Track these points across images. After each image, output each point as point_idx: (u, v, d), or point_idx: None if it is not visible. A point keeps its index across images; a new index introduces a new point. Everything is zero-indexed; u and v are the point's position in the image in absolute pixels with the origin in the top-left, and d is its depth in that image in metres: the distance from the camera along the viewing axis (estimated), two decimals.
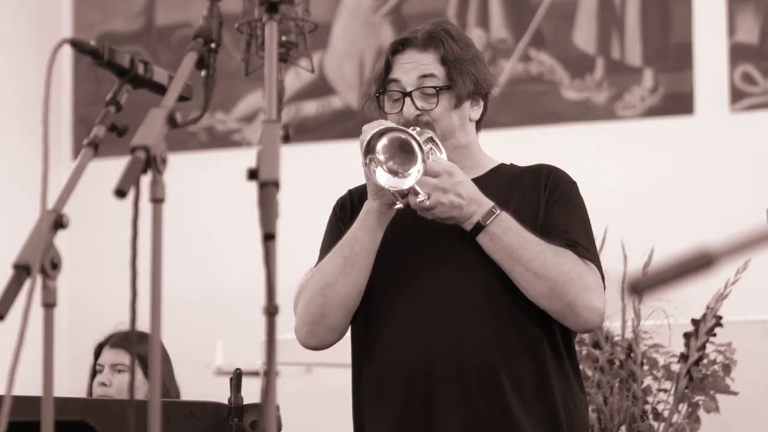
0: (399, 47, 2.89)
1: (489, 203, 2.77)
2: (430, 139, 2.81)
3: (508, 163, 3.02)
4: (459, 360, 2.77)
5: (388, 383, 2.82)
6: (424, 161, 2.67)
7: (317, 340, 2.90)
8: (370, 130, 2.71)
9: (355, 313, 2.87)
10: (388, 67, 2.89)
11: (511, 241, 2.75)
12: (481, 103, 2.94)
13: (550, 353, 2.82)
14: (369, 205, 2.80)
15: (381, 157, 2.70)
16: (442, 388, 2.77)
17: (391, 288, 2.84)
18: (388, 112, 2.89)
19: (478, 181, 2.86)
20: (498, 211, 2.76)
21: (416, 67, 2.86)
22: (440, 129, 2.85)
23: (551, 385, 2.81)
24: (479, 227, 2.76)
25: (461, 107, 2.87)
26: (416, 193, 2.71)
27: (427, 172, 2.71)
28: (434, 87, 2.84)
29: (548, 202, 2.87)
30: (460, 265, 2.81)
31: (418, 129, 2.80)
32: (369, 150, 2.68)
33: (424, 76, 2.85)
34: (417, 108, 2.84)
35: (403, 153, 2.69)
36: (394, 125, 2.72)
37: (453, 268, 2.82)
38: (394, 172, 2.71)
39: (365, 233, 2.80)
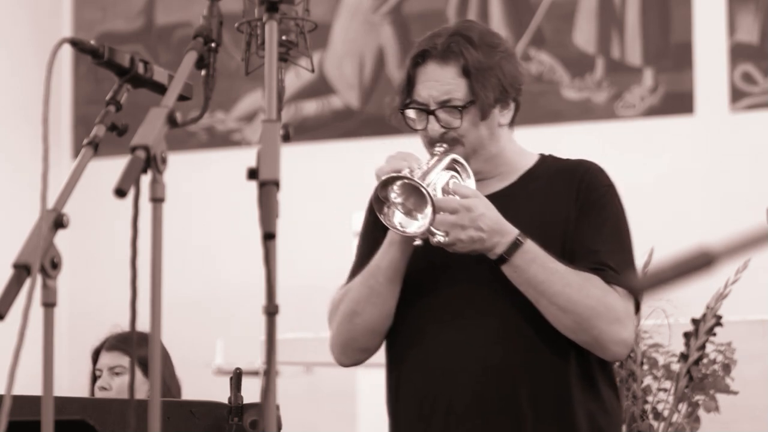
0: (419, 60, 2.80)
1: (512, 233, 2.70)
2: (454, 162, 2.76)
3: (547, 154, 2.93)
4: (482, 392, 2.74)
5: (411, 413, 2.82)
6: (433, 206, 2.62)
7: (350, 361, 2.93)
8: (380, 170, 2.67)
9: (388, 332, 2.86)
10: (410, 79, 2.81)
11: (536, 273, 2.69)
12: (512, 105, 2.85)
13: (580, 378, 2.77)
14: (392, 237, 2.76)
15: (397, 200, 2.67)
16: (462, 421, 2.75)
17: (417, 315, 2.82)
18: (413, 128, 2.83)
19: (508, 193, 2.82)
20: (522, 242, 2.69)
21: (437, 84, 2.78)
22: (469, 143, 2.78)
23: (577, 411, 2.76)
24: (502, 259, 2.70)
25: (488, 118, 2.79)
26: (432, 234, 2.67)
27: (443, 209, 2.66)
28: (456, 107, 2.76)
29: (579, 215, 2.79)
30: (487, 293, 2.76)
31: (444, 147, 2.76)
32: (381, 201, 2.66)
33: (446, 97, 2.76)
34: (442, 126, 2.77)
35: (417, 193, 2.65)
36: (399, 174, 2.66)
37: (480, 296, 2.77)
38: (410, 212, 2.67)
39: (389, 264, 2.78)
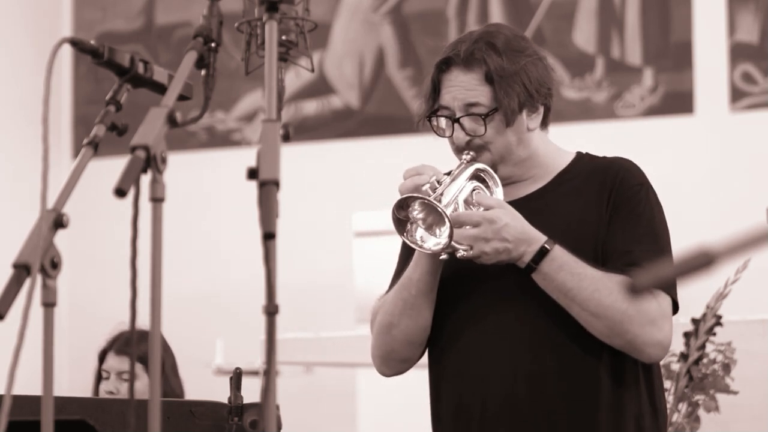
0: (443, 66, 2.78)
1: (540, 240, 2.68)
2: (479, 171, 2.74)
3: (584, 152, 2.91)
4: (517, 398, 2.72)
5: (449, 420, 2.80)
6: (450, 224, 2.60)
7: (392, 371, 2.91)
8: (402, 192, 2.66)
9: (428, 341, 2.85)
10: (435, 86, 2.79)
11: (564, 280, 2.67)
12: (541, 109, 2.84)
13: (616, 381, 2.75)
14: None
15: (418, 216, 2.65)
16: (497, 427, 2.74)
17: (452, 323, 2.80)
18: (441, 135, 2.81)
19: (541, 194, 2.80)
20: (549, 249, 2.67)
21: (462, 91, 2.75)
22: (496, 150, 2.77)
23: (614, 416, 2.74)
24: (531, 268, 2.68)
25: (515, 124, 2.77)
26: (456, 249, 2.66)
27: (465, 223, 2.65)
28: (480, 115, 2.74)
29: (612, 215, 2.77)
30: (521, 299, 2.74)
31: (471, 154, 2.75)
32: (402, 220, 2.65)
33: (470, 104, 2.75)
34: (467, 133, 2.76)
35: (436, 211, 2.64)
36: (414, 194, 2.65)
37: (514, 302, 2.75)
38: (430, 227, 2.66)
39: (421, 277, 2.76)
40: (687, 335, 4.29)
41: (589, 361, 2.73)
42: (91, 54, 2.16)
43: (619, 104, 6.67)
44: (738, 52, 6.47)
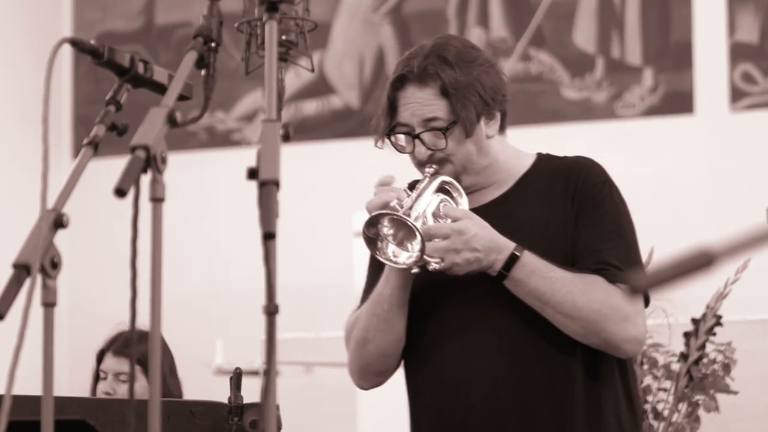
0: (398, 84, 2.82)
1: (509, 248, 2.70)
2: (444, 184, 2.77)
3: (545, 153, 2.93)
4: (497, 404, 2.75)
5: (438, 422, 2.82)
6: (421, 238, 2.63)
7: (370, 384, 2.94)
8: (369, 210, 2.69)
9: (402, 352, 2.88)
10: (391, 103, 2.82)
11: (536, 284, 2.69)
12: (497, 115, 2.83)
13: (593, 380, 2.78)
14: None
15: (388, 232, 2.68)
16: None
17: (428, 331, 2.83)
18: (401, 152, 2.84)
19: (505, 199, 2.83)
20: (520, 255, 2.70)
21: (419, 107, 2.78)
22: (458, 161, 2.79)
23: (592, 416, 2.77)
24: (502, 275, 2.71)
25: (474, 134, 2.79)
26: (427, 262, 2.68)
27: (435, 236, 2.67)
28: (440, 129, 2.76)
29: (578, 215, 2.79)
30: (495, 305, 2.77)
31: (434, 168, 2.77)
32: (372, 238, 2.67)
33: (428, 119, 2.77)
34: (428, 148, 2.78)
35: (406, 225, 2.66)
36: (384, 211, 2.67)
37: (489, 308, 2.78)
38: (401, 243, 2.68)
39: (392, 291, 2.79)
40: (687, 335, 4.29)
41: (566, 361, 2.76)
42: (91, 54, 2.16)
43: (619, 104, 6.67)
44: (738, 52, 6.47)
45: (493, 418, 2.75)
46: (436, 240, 2.68)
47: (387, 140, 2.84)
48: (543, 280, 2.70)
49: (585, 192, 2.81)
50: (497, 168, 2.86)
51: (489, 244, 2.70)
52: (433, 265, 2.69)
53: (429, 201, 2.74)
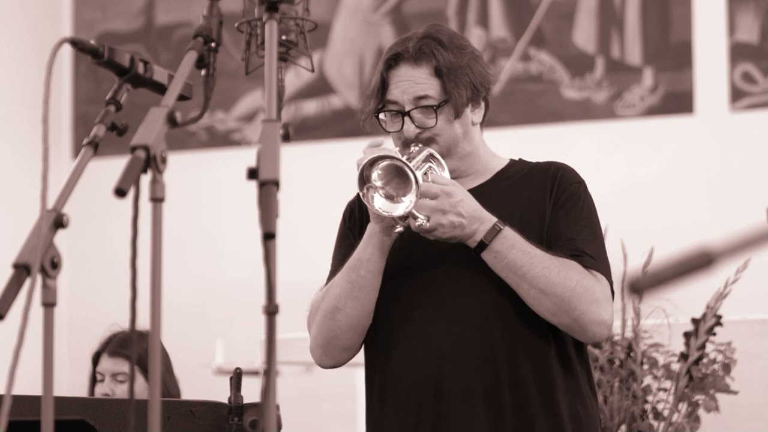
0: (392, 63, 2.86)
1: (491, 220, 2.77)
2: (431, 157, 2.81)
3: (517, 158, 3.01)
4: (467, 378, 2.79)
5: (400, 404, 2.86)
6: (418, 186, 2.66)
7: (332, 361, 2.96)
8: (363, 159, 2.71)
9: (367, 331, 2.90)
10: (383, 82, 2.87)
11: (515, 257, 2.75)
12: (482, 104, 2.92)
13: (559, 363, 2.84)
14: (372, 228, 2.82)
15: (378, 183, 2.70)
16: (451, 408, 2.79)
17: (399, 308, 2.86)
18: (388, 130, 2.88)
19: (483, 190, 2.87)
20: (501, 228, 2.76)
21: (411, 85, 2.84)
22: (443, 142, 2.85)
23: (558, 396, 2.82)
24: (483, 245, 2.76)
25: (462, 116, 2.85)
26: (415, 217, 2.72)
27: (425, 194, 2.71)
28: (431, 106, 2.83)
29: (554, 208, 2.87)
30: (466, 282, 2.82)
31: (420, 146, 2.81)
32: (364, 180, 2.69)
33: (420, 96, 2.83)
34: (417, 126, 2.83)
35: (399, 177, 2.69)
36: (386, 152, 2.71)
37: (460, 285, 2.83)
38: (390, 197, 2.71)
39: (370, 256, 2.82)
40: (687, 335, 4.29)
41: (537, 340, 2.82)
42: (91, 54, 2.16)
43: (619, 104, 6.67)
44: (738, 52, 6.47)
45: (463, 393, 2.78)
46: (425, 199, 2.72)
47: (375, 119, 2.88)
48: (522, 254, 2.75)
49: (563, 190, 2.89)
50: (477, 159, 2.93)
51: (473, 212, 2.76)
52: (420, 220, 2.72)
53: (417, 166, 2.77)
